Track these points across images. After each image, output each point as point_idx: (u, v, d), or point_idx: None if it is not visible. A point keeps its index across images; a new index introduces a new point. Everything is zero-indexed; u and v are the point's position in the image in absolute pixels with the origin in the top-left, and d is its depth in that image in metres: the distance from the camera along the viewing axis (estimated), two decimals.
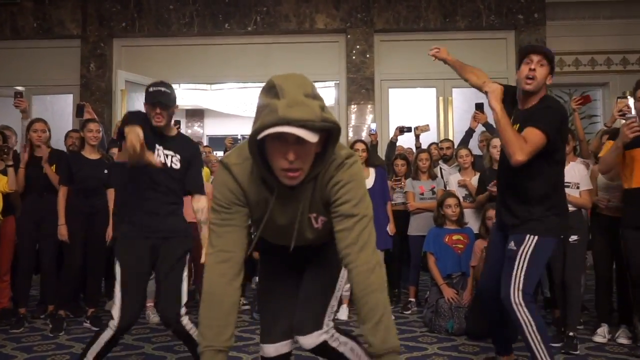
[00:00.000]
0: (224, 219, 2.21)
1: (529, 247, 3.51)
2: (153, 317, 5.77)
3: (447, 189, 6.32)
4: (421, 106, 9.61)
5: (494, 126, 3.99)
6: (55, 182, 5.61)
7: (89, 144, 5.64)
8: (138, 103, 9.23)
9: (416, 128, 7.63)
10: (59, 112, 9.61)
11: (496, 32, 9.38)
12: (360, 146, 6.13)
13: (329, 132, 2.08)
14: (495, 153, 5.45)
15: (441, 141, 7.65)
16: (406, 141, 8.12)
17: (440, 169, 7.02)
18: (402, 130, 7.47)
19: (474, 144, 7.15)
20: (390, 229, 6.13)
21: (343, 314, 5.82)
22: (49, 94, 9.74)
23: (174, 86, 8.15)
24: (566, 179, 4.54)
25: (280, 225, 2.34)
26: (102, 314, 5.77)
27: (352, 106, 9.18)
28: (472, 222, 5.96)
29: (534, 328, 3.40)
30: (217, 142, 14.32)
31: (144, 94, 9.14)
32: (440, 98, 9.26)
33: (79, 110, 6.55)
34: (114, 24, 9.41)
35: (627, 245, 4.49)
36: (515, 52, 9.25)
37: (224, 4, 9.32)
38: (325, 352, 2.63)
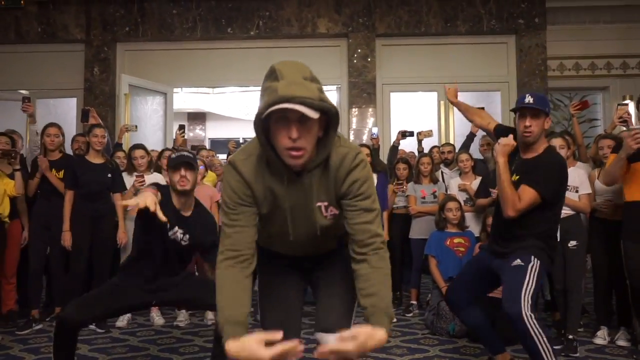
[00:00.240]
0: (232, 220, 2.25)
1: (536, 265, 3.62)
2: (158, 319, 5.84)
3: (448, 192, 6.38)
4: (422, 110, 9.65)
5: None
6: (60, 187, 5.68)
7: (93, 149, 5.70)
8: (141, 107, 9.31)
9: (419, 133, 7.68)
10: (62, 115, 9.62)
11: (497, 37, 9.41)
12: (365, 150, 6.19)
13: (329, 117, 2.16)
14: None
15: (442, 145, 7.70)
16: (408, 145, 8.18)
17: (442, 172, 7.07)
18: (404, 134, 7.52)
19: (474, 148, 7.21)
20: (384, 235, 6.15)
21: None
22: (53, 98, 9.76)
23: (176, 90, 8.23)
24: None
25: (287, 211, 2.32)
26: None
27: (354, 110, 9.23)
28: (473, 226, 6.03)
29: (545, 340, 3.48)
30: (218, 145, 14.41)
31: (147, 98, 9.25)
32: (442, 102, 9.30)
33: (84, 115, 6.62)
34: (118, 28, 9.46)
35: (627, 256, 4.57)
36: (516, 56, 9.33)
37: (226, 8, 9.38)
38: None
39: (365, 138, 8.98)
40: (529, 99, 3.78)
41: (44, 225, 5.74)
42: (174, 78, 9.66)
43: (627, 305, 4.94)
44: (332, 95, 9.75)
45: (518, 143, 3.86)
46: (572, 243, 4.90)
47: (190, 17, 9.42)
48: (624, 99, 8.85)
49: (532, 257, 3.65)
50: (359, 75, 9.27)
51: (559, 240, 4.45)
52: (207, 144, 14.73)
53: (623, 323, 5.05)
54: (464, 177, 6.40)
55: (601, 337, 5.00)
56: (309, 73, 2.13)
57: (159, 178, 5.93)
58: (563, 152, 5.02)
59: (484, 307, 4.17)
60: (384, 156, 8.03)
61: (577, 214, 5.04)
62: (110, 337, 5.28)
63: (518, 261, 3.64)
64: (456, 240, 5.77)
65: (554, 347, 4.46)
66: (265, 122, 2.10)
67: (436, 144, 8.24)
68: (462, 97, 8.46)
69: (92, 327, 5.49)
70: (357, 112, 9.21)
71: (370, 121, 9.19)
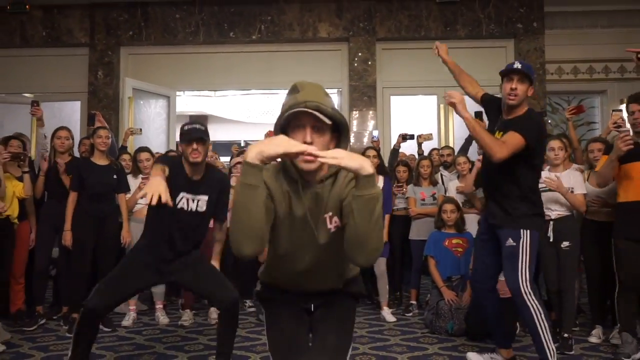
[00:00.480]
0: None
1: (526, 241, 3.93)
2: (162, 318, 5.95)
3: (447, 194, 6.49)
4: (422, 113, 9.77)
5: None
6: None
7: (98, 150, 5.80)
8: (145, 110, 9.41)
9: (419, 136, 7.76)
10: (66, 118, 9.72)
11: (496, 41, 9.52)
12: (371, 152, 6.35)
13: (339, 131, 2.36)
14: None
15: (442, 148, 7.81)
16: (408, 147, 8.28)
17: (441, 175, 7.19)
18: (404, 137, 7.61)
19: (473, 151, 7.31)
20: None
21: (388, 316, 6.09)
22: (58, 101, 9.86)
23: (179, 93, 8.37)
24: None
25: (298, 218, 2.38)
26: (112, 315, 5.96)
27: (354, 113, 9.34)
28: (473, 228, 6.13)
29: (542, 315, 3.83)
30: (220, 147, 14.50)
31: (150, 101, 9.37)
32: (441, 105, 9.41)
33: (90, 119, 6.74)
34: (122, 32, 9.58)
35: (618, 254, 4.68)
36: (515, 60, 9.43)
37: (229, 13, 9.50)
38: None
39: (365, 141, 9.11)
40: (517, 65, 4.05)
41: (52, 226, 5.84)
42: (177, 81, 9.76)
43: None
44: (333, 98, 9.81)
45: (502, 106, 4.13)
46: (565, 244, 5.02)
47: (193, 22, 9.54)
48: (622, 102, 8.96)
49: (522, 231, 3.94)
50: (359, 79, 9.39)
51: (552, 240, 4.71)
52: None
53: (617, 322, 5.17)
54: (462, 179, 6.50)
55: (596, 335, 5.15)
56: (325, 93, 2.33)
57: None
58: (561, 154, 5.15)
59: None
60: (384, 159, 8.13)
61: (571, 215, 5.15)
62: (116, 336, 5.40)
63: (510, 241, 3.94)
64: (454, 241, 5.89)
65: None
66: (284, 130, 2.29)
67: (436, 146, 8.35)
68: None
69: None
70: (357, 115, 9.33)
71: (371, 124, 9.31)
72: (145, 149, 6.27)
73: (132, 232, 5.82)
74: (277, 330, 2.54)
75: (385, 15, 9.43)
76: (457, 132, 9.18)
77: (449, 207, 5.94)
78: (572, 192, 5.11)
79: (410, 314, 6.27)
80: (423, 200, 6.61)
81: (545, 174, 5.12)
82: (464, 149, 7.22)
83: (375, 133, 8.21)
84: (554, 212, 5.08)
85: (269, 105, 14.34)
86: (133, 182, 6.14)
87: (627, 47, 9.63)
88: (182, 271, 4.02)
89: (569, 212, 5.13)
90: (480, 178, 4.69)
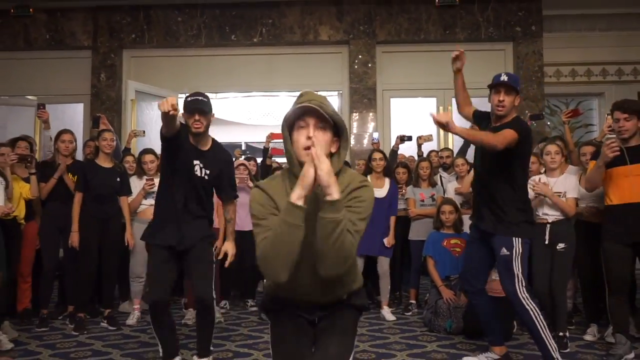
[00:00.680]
0: (263, 227, 2.40)
1: (518, 248, 4.13)
2: None
3: (446, 196, 6.59)
4: (422, 115, 9.85)
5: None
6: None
7: (103, 152, 5.90)
8: (147, 112, 9.50)
9: (419, 138, 7.86)
10: (68, 120, 9.81)
11: (495, 44, 9.64)
12: (378, 155, 6.49)
13: (339, 135, 2.49)
14: None
15: (441, 150, 7.91)
16: (407, 149, 8.38)
17: (440, 176, 7.28)
18: (402, 139, 7.70)
19: (471, 153, 7.39)
20: (388, 241, 6.37)
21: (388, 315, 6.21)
22: (61, 103, 9.95)
23: (181, 95, 8.48)
24: (556, 189, 4.99)
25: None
26: (117, 314, 6.07)
27: (354, 115, 9.44)
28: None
29: (540, 316, 4.06)
30: None
31: (152, 103, 9.47)
32: (441, 107, 9.51)
33: (94, 122, 6.82)
34: (124, 35, 9.68)
35: (606, 257, 4.77)
36: (514, 63, 9.55)
37: (230, 16, 9.61)
38: None
39: (365, 143, 9.21)
40: (504, 77, 4.24)
41: (56, 227, 5.92)
42: (179, 84, 9.83)
43: None
44: (334, 100, 9.94)
45: (491, 116, 4.37)
46: (561, 245, 5.12)
47: (195, 25, 9.65)
48: None
49: (514, 240, 4.15)
50: (359, 81, 9.49)
51: (547, 242, 4.84)
52: None
53: None
54: (460, 181, 6.60)
55: (591, 334, 5.27)
56: (327, 99, 2.50)
57: None
58: (557, 158, 5.26)
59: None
60: None
61: (567, 219, 5.24)
62: (121, 334, 5.51)
63: (504, 250, 4.13)
64: (452, 241, 6.00)
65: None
66: (290, 132, 2.45)
67: (435, 148, 8.45)
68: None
69: (104, 324, 5.73)
70: (357, 117, 9.43)
71: (371, 126, 9.41)
72: (149, 151, 6.36)
73: (135, 234, 5.91)
74: (282, 342, 2.60)
75: (385, 18, 9.54)
76: (456, 135, 9.24)
77: (447, 208, 6.05)
78: (564, 197, 5.20)
79: (410, 313, 6.37)
80: (422, 201, 6.71)
81: (542, 178, 5.26)
82: (463, 151, 7.31)
83: (376, 135, 8.32)
84: (551, 216, 5.18)
85: (269, 107, 14.40)
86: (138, 183, 6.23)
87: (624, 50, 9.84)
88: (190, 256, 4.22)
89: (562, 217, 5.21)
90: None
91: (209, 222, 4.43)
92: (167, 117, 3.77)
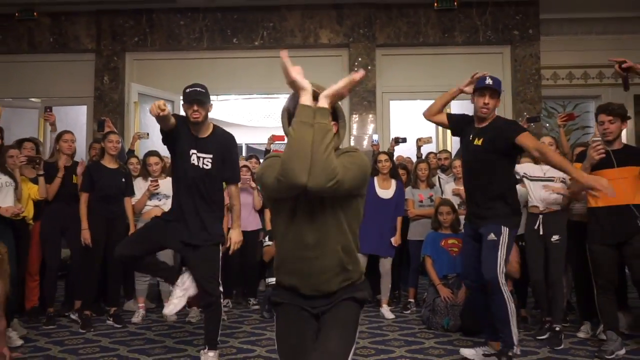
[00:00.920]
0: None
1: (506, 236, 4.35)
2: (170, 315, 6.17)
3: (444, 197, 6.72)
4: (421, 118, 9.95)
5: None
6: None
7: (108, 154, 6.04)
8: (150, 115, 9.59)
9: (419, 139, 7.98)
10: (72, 122, 9.92)
11: (493, 47, 9.76)
12: (384, 157, 6.63)
13: (337, 120, 2.65)
14: None
15: (439, 152, 8.04)
16: (407, 151, 8.51)
17: (439, 178, 7.41)
18: (397, 140, 7.84)
19: None
20: (395, 240, 6.54)
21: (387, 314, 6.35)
22: (64, 106, 10.06)
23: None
24: (549, 174, 5.39)
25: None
26: (122, 313, 6.20)
27: (354, 117, 9.56)
28: None
29: (512, 305, 4.28)
30: None
31: None
32: None
33: (100, 125, 6.93)
34: (127, 38, 9.82)
35: (592, 258, 4.94)
36: (511, 65, 9.69)
37: (232, 19, 9.74)
38: None
39: (365, 144, 9.34)
40: (489, 81, 4.48)
41: (59, 227, 6.03)
42: (181, 86, 9.60)
43: None
44: None
45: (474, 116, 4.62)
46: (555, 237, 5.29)
47: (197, 28, 9.78)
48: None
49: (502, 227, 4.36)
50: (359, 84, 9.55)
51: (541, 233, 5.10)
52: None
53: None
54: (458, 182, 6.70)
55: (584, 331, 5.42)
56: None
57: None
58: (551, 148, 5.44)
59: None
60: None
61: (560, 210, 5.40)
62: (127, 331, 5.65)
63: (492, 235, 4.33)
64: (450, 241, 6.14)
65: (538, 337, 5.19)
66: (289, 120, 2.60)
67: (434, 150, 8.57)
68: (460, 105, 8.91)
69: (110, 322, 5.86)
70: (357, 119, 9.55)
71: (370, 128, 9.53)
72: (154, 153, 6.49)
73: None
74: (286, 334, 2.70)
75: (385, 22, 9.67)
76: (454, 137, 9.37)
77: (445, 209, 6.19)
78: (562, 181, 5.41)
79: (409, 312, 6.51)
80: (421, 202, 6.85)
81: (535, 167, 5.56)
82: (460, 153, 7.42)
83: (375, 137, 8.45)
84: (542, 204, 5.36)
85: (270, 109, 14.53)
86: (143, 184, 6.37)
87: (620, 53, 9.95)
88: (196, 252, 4.37)
89: (558, 207, 5.37)
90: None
91: (219, 220, 4.54)
92: (159, 118, 4.06)
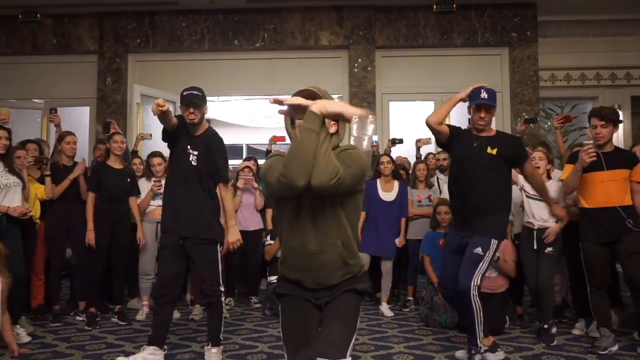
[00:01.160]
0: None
1: (492, 251, 4.49)
2: (174, 313, 6.27)
3: (442, 196, 6.83)
4: (420, 118, 10.03)
5: None
6: (83, 190, 6.14)
7: (114, 154, 6.16)
8: (152, 115, 9.60)
9: (418, 140, 8.07)
10: (75, 123, 10.00)
11: (491, 49, 9.86)
12: (386, 159, 6.76)
13: (338, 120, 2.83)
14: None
15: (438, 152, 8.12)
16: (405, 151, 8.61)
17: (437, 178, 7.50)
18: (394, 141, 7.94)
19: None
20: (399, 241, 6.68)
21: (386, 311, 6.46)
22: (67, 107, 10.13)
23: None
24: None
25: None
26: (126, 311, 6.31)
27: (354, 118, 9.62)
28: None
29: (481, 314, 4.44)
30: None
31: None
32: None
33: (105, 127, 7.03)
34: (129, 40, 9.93)
35: (585, 257, 5.05)
36: (509, 67, 9.80)
37: (233, 21, 9.85)
38: None
39: (365, 145, 9.39)
40: (484, 95, 4.62)
41: (64, 226, 6.12)
42: (183, 87, 9.90)
43: None
44: None
45: (472, 127, 4.78)
46: (549, 249, 5.39)
47: (199, 30, 9.89)
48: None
49: (492, 240, 4.47)
50: (359, 85, 9.72)
51: (535, 247, 5.36)
52: None
53: None
54: None
55: (579, 328, 5.55)
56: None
57: None
58: (542, 164, 5.56)
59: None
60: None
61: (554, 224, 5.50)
62: (132, 329, 5.77)
63: (479, 250, 4.44)
64: None
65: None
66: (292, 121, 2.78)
67: (432, 151, 8.66)
68: (458, 106, 8.98)
69: (115, 319, 5.97)
70: (357, 120, 9.60)
71: (370, 128, 9.56)
72: (157, 154, 6.59)
73: (145, 233, 6.23)
74: (291, 324, 2.83)
75: (385, 24, 9.78)
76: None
77: (443, 208, 6.29)
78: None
79: (407, 309, 6.63)
80: (419, 201, 6.96)
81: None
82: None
83: (375, 138, 8.54)
84: (537, 222, 5.46)
85: (271, 109, 14.60)
86: (146, 185, 6.49)
87: (617, 55, 10.06)
88: (193, 249, 4.54)
89: (554, 222, 5.45)
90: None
91: (211, 210, 4.66)
92: (161, 117, 4.33)
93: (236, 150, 15.69)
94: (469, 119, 5.09)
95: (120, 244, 6.15)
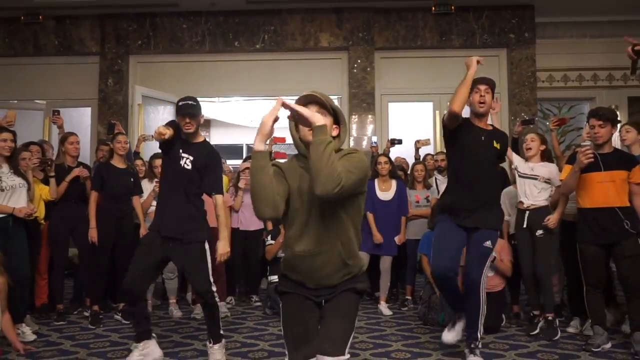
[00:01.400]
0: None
1: (496, 242, 4.63)
2: (176, 312, 6.40)
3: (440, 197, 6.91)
4: (419, 119, 10.15)
5: None
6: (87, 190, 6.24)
7: (117, 154, 6.26)
8: (153, 116, 9.80)
9: (417, 141, 8.14)
10: (76, 124, 10.05)
11: (489, 50, 9.88)
12: (383, 159, 6.88)
13: (338, 122, 2.90)
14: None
15: (436, 153, 8.19)
16: (404, 152, 8.69)
17: (435, 179, 7.58)
18: (393, 142, 8.00)
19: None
20: (399, 239, 6.79)
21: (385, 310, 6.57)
22: (69, 107, 10.19)
23: None
24: (536, 172, 5.69)
25: (305, 190, 2.80)
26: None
27: (354, 118, 9.74)
28: None
29: (485, 307, 4.55)
30: (222, 150, 14.73)
31: (158, 107, 9.71)
32: (437, 112, 9.82)
33: (109, 128, 7.10)
34: (131, 41, 9.99)
35: (581, 257, 5.12)
36: (507, 68, 9.88)
37: (234, 23, 9.93)
38: None
39: (364, 145, 9.52)
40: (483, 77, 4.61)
41: (68, 226, 6.21)
42: (184, 89, 9.97)
43: None
44: None
45: (472, 113, 4.67)
46: (539, 232, 5.52)
47: (200, 31, 9.96)
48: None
49: (497, 233, 4.66)
50: (358, 86, 9.80)
51: (525, 226, 5.55)
52: None
53: None
54: None
55: (574, 326, 5.67)
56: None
57: None
58: (533, 145, 5.76)
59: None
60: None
61: (546, 206, 5.64)
62: None
63: (489, 243, 4.50)
64: None
65: (531, 332, 5.46)
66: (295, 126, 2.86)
67: (430, 152, 8.74)
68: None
69: (118, 317, 6.07)
70: (356, 121, 9.73)
71: (370, 129, 9.71)
72: (160, 155, 6.64)
73: None
74: (292, 321, 2.94)
75: (384, 25, 9.86)
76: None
77: None
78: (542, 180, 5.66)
79: (406, 308, 6.72)
80: (417, 202, 7.05)
81: (524, 164, 5.79)
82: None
83: (374, 139, 8.62)
84: (527, 201, 5.63)
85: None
86: (148, 185, 6.59)
87: (614, 56, 10.14)
88: (177, 250, 4.59)
89: (545, 203, 5.61)
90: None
91: (198, 215, 4.74)
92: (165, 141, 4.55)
93: (236, 150, 15.73)
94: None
95: (125, 243, 6.22)
